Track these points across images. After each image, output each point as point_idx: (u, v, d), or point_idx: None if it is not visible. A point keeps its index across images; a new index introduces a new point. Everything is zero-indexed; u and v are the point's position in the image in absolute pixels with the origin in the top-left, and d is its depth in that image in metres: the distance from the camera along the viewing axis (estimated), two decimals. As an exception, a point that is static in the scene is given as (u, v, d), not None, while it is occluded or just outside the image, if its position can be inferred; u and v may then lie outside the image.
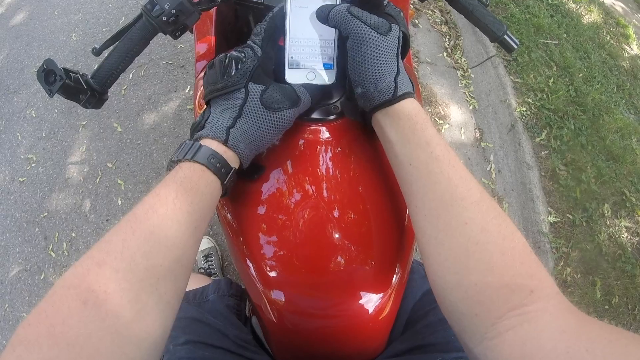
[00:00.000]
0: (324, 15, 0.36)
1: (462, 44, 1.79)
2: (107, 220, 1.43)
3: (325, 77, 0.40)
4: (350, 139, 0.45)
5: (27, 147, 1.70)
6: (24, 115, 1.80)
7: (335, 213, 0.42)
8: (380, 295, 0.41)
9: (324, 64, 0.40)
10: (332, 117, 0.45)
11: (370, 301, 0.41)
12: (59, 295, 0.27)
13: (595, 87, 1.94)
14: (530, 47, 1.94)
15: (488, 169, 1.55)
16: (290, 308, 0.42)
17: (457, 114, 1.61)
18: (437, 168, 0.33)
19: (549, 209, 1.53)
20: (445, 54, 1.74)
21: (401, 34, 0.37)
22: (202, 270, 1.25)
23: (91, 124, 1.63)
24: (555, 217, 1.51)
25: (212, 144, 0.35)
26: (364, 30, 0.34)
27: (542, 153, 1.64)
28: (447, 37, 1.76)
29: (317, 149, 0.44)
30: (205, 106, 0.40)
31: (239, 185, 0.42)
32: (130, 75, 1.70)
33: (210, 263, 1.26)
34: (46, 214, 1.51)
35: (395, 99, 0.35)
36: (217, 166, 0.35)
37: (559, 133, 1.70)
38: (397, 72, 0.36)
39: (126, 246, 0.29)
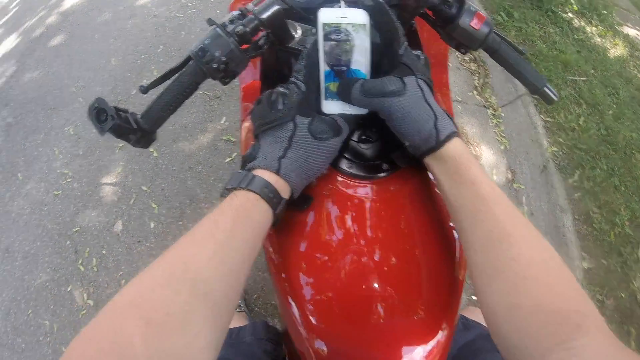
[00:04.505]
0: (345, 97, 0.40)
1: (491, 82, 1.79)
2: (139, 241, 1.45)
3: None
4: (403, 192, 0.46)
5: (63, 163, 1.76)
6: (62, 132, 1.87)
7: (384, 264, 0.42)
8: (426, 354, 0.41)
9: None
10: (382, 174, 0.46)
11: None
12: (121, 311, 0.27)
13: (626, 125, 1.90)
14: (559, 85, 1.93)
15: (508, 199, 1.52)
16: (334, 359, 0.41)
17: (488, 154, 1.60)
18: (483, 206, 0.35)
19: (583, 254, 1.47)
20: (475, 92, 1.75)
21: (420, 81, 0.39)
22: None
23: (128, 147, 1.63)
24: (589, 263, 1.46)
25: (265, 174, 0.37)
26: (385, 103, 0.37)
27: (575, 195, 1.60)
28: (477, 75, 1.77)
29: (368, 204, 0.45)
30: (254, 141, 0.42)
31: (286, 218, 0.43)
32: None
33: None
34: (78, 228, 1.55)
35: (439, 143, 0.37)
36: (270, 196, 0.36)
37: (591, 174, 1.66)
38: (435, 117, 0.38)
39: (188, 270, 0.30)
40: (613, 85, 2.08)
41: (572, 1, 2.39)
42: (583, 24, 2.41)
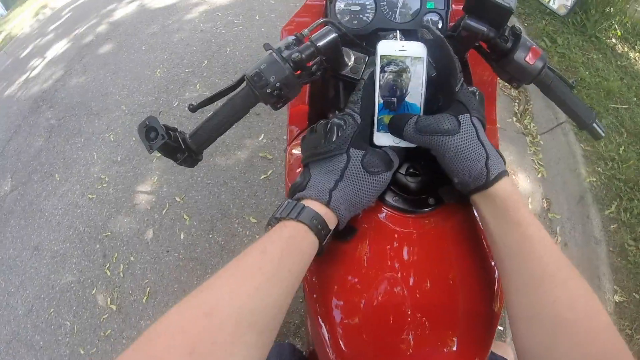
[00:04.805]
0: (397, 132, 0.40)
1: (531, 109, 1.75)
2: (167, 251, 1.47)
3: None
4: (446, 226, 0.45)
5: (101, 168, 1.83)
6: (102, 137, 1.96)
7: (419, 296, 0.41)
8: None
9: None
10: (427, 209, 0.45)
11: None
12: (164, 339, 0.27)
13: (668, 155, 1.81)
14: (601, 113, 1.87)
15: (554, 241, 1.46)
16: None
17: (525, 182, 1.56)
18: (528, 247, 0.35)
19: (615, 287, 1.41)
20: (514, 119, 1.71)
21: (474, 119, 0.38)
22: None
23: (165, 157, 1.72)
24: (621, 297, 1.39)
25: (315, 205, 0.37)
26: (437, 141, 0.37)
27: (611, 227, 1.54)
28: (517, 101, 1.74)
29: (409, 237, 0.44)
30: (302, 169, 0.42)
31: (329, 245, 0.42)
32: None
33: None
34: (109, 233, 1.60)
35: (489, 183, 0.37)
36: (319, 227, 0.36)
37: (629, 205, 1.59)
38: (487, 157, 0.37)
39: (234, 300, 0.29)
40: (656, 114, 1.99)
41: (616, 26, 2.32)
42: (626, 49, 2.33)
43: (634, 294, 1.38)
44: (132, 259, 1.50)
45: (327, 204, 0.37)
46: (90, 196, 1.75)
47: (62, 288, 1.51)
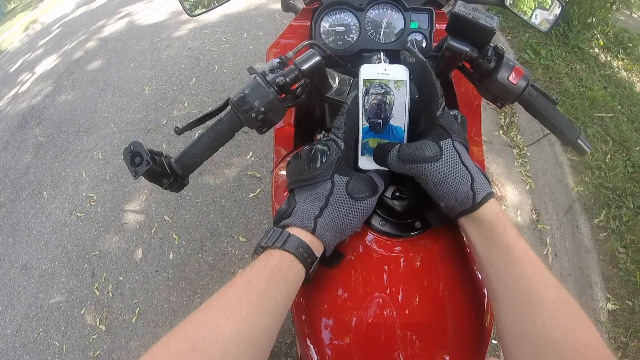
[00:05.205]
0: (381, 162, 0.40)
1: (517, 122, 1.78)
2: (157, 271, 1.46)
3: None
4: (434, 249, 0.45)
5: (89, 186, 1.82)
6: (91, 155, 1.94)
7: (409, 317, 0.41)
8: None
9: None
10: (415, 232, 0.45)
11: None
12: None
13: (654, 161, 1.83)
14: (586, 123, 1.90)
15: (545, 252, 1.47)
16: None
17: (513, 194, 1.57)
18: (516, 269, 0.35)
19: (608, 295, 1.42)
20: (501, 131, 1.73)
21: (457, 143, 0.38)
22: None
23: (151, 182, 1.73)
24: (614, 304, 1.40)
25: (300, 233, 0.37)
26: (420, 169, 0.37)
27: (601, 235, 1.55)
28: (503, 114, 1.76)
29: (398, 261, 0.44)
30: (288, 193, 0.42)
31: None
32: (196, 136, 1.80)
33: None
34: (97, 252, 1.58)
35: (475, 206, 0.37)
36: (305, 256, 0.36)
37: (617, 213, 1.60)
38: (472, 180, 0.37)
39: (220, 332, 0.29)
40: (640, 121, 2.02)
41: (599, 36, 2.37)
42: (609, 58, 2.38)
43: (627, 301, 1.39)
44: (121, 278, 1.48)
45: (313, 232, 0.37)
46: (78, 214, 1.73)
47: (50, 307, 1.48)
